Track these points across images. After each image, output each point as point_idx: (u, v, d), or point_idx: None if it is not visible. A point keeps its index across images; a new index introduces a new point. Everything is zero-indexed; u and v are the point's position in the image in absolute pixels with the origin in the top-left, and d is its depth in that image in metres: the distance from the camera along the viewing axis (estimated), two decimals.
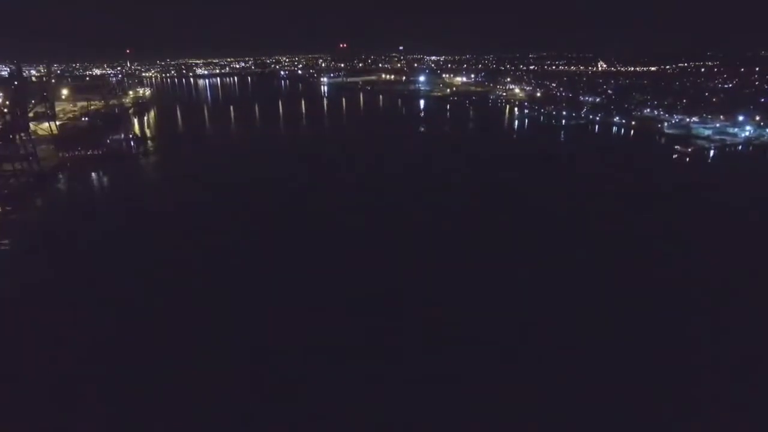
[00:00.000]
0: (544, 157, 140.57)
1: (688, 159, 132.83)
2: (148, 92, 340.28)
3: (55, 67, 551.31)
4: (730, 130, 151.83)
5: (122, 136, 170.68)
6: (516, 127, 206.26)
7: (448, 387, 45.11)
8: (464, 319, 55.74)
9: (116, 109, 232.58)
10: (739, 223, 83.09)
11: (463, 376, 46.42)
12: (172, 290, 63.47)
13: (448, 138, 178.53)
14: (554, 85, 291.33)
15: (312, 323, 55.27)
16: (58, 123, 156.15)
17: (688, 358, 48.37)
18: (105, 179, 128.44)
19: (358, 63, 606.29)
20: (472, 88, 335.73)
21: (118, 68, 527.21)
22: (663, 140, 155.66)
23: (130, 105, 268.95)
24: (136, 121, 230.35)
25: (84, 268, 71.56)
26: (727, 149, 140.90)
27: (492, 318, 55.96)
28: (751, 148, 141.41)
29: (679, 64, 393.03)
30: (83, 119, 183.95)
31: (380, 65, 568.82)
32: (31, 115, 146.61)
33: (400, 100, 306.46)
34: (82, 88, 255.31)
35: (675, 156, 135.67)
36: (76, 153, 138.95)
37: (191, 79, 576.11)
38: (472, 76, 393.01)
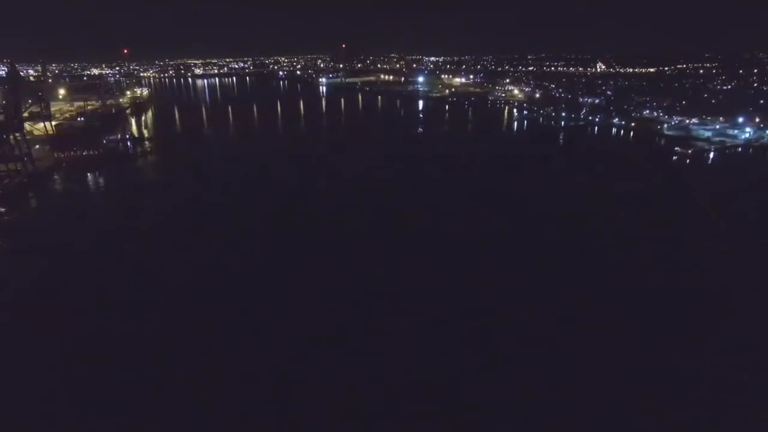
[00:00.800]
0: (543, 158, 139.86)
1: (688, 161, 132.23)
2: (145, 92, 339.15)
3: (53, 67, 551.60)
4: (730, 131, 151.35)
5: (119, 136, 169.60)
6: (515, 128, 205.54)
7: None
8: (464, 317, 55.08)
9: (113, 110, 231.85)
10: (739, 225, 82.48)
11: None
12: (169, 290, 62.85)
13: (446, 139, 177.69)
14: (553, 86, 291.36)
15: (313, 321, 54.55)
16: (53, 123, 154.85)
17: (682, 357, 47.83)
18: (100, 180, 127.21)
19: (357, 63, 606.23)
20: (471, 88, 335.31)
21: (117, 68, 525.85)
22: (663, 142, 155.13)
23: (127, 105, 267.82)
24: (133, 121, 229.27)
25: (78, 269, 70.42)
26: (728, 151, 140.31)
27: (489, 317, 55.30)
28: (751, 149, 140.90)
29: (678, 66, 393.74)
30: (79, 119, 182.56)
31: (379, 66, 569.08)
32: (26, 114, 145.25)
33: (398, 101, 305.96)
34: (79, 88, 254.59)
35: (675, 158, 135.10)
36: (72, 153, 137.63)
37: (189, 80, 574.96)
38: (471, 76, 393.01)
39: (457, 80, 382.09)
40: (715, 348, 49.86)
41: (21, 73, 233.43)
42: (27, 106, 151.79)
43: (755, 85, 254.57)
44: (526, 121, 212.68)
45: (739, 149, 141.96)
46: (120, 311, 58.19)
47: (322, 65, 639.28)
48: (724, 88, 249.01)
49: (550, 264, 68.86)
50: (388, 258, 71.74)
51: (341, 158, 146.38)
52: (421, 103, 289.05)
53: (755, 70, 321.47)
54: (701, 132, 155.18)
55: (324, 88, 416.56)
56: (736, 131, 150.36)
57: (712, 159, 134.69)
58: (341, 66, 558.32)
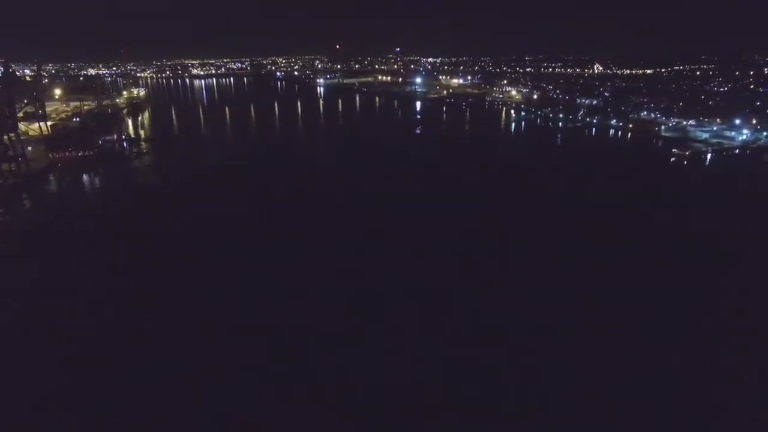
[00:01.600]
0: (541, 160, 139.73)
1: (686, 162, 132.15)
2: (142, 92, 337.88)
3: (49, 67, 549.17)
4: (727, 133, 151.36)
5: (115, 137, 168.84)
6: (513, 129, 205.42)
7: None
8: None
9: (109, 110, 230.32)
10: (737, 226, 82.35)
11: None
12: (165, 290, 62.51)
13: (444, 140, 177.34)
14: (551, 87, 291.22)
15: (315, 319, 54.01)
16: (49, 123, 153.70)
17: (679, 355, 47.44)
18: (96, 181, 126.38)
19: (355, 64, 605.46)
20: (469, 89, 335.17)
21: (114, 68, 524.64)
22: (660, 143, 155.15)
23: (123, 105, 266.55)
24: (129, 121, 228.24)
25: (73, 270, 69.70)
26: (725, 153, 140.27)
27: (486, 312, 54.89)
28: (748, 151, 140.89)
29: (675, 67, 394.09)
30: (75, 120, 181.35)
31: (376, 66, 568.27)
32: (21, 115, 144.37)
33: (396, 102, 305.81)
34: (76, 88, 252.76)
35: (673, 159, 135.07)
36: (67, 154, 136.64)
37: (187, 80, 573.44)
38: (469, 77, 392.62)
39: (455, 81, 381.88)
40: (712, 348, 49.59)
41: (17, 73, 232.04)
42: (22, 106, 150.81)
43: (751, 87, 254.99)
44: (523, 123, 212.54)
45: (737, 151, 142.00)
46: (116, 312, 57.61)
47: (319, 66, 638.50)
48: (721, 89, 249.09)
49: (544, 265, 68.49)
50: (387, 257, 71.34)
51: (340, 159, 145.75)
52: (418, 104, 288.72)
53: (751, 72, 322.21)
54: (698, 134, 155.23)
55: (321, 89, 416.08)
56: (733, 133, 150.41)
57: (710, 161, 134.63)
58: (339, 67, 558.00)
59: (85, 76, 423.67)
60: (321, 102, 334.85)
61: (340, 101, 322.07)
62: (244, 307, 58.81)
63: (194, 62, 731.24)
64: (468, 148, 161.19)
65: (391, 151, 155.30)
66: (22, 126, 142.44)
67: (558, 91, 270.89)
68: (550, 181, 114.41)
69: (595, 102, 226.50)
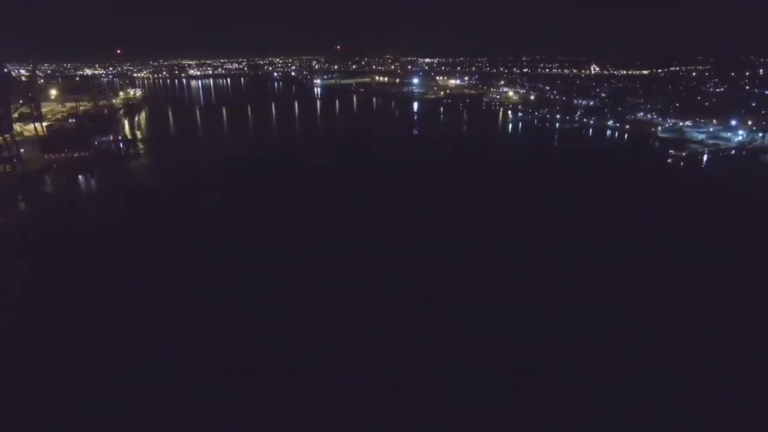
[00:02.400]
0: (538, 161, 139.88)
1: (682, 164, 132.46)
2: (139, 93, 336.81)
3: (45, 67, 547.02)
4: (724, 134, 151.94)
5: (111, 137, 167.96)
6: (510, 130, 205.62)
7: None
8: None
9: (105, 111, 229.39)
10: (734, 227, 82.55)
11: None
12: (165, 290, 62.20)
13: (442, 141, 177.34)
14: (548, 87, 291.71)
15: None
16: (44, 124, 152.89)
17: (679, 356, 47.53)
18: (92, 182, 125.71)
19: (352, 65, 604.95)
20: (466, 90, 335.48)
21: (110, 69, 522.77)
22: (657, 144, 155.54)
23: (120, 106, 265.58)
24: (126, 122, 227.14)
25: (71, 271, 69.18)
26: (721, 154, 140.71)
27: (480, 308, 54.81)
28: (744, 152, 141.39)
29: (671, 68, 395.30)
30: (71, 120, 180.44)
31: (374, 67, 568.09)
32: (15, 115, 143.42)
33: (393, 103, 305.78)
34: (72, 89, 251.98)
35: (669, 160, 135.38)
36: (63, 155, 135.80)
37: (184, 80, 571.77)
38: (466, 78, 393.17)
39: (452, 82, 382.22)
40: (712, 347, 49.70)
41: (12, 73, 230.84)
42: (17, 106, 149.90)
43: (747, 87, 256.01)
44: (520, 124, 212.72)
45: (733, 152, 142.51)
46: (115, 313, 57.35)
47: (317, 66, 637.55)
48: (717, 90, 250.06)
49: (547, 265, 68.51)
50: (387, 258, 71.22)
51: (338, 160, 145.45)
52: (416, 105, 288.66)
53: (747, 73, 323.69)
54: (695, 134, 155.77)
55: (319, 90, 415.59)
56: (729, 134, 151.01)
57: (707, 162, 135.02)
58: (336, 67, 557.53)
59: (82, 76, 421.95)
60: (318, 102, 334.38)
61: (337, 102, 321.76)
62: (244, 308, 58.74)
63: (191, 62, 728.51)
64: (465, 148, 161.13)
65: (389, 151, 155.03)
66: (17, 127, 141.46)
67: (555, 92, 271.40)
68: (548, 182, 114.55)
69: (591, 103, 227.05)
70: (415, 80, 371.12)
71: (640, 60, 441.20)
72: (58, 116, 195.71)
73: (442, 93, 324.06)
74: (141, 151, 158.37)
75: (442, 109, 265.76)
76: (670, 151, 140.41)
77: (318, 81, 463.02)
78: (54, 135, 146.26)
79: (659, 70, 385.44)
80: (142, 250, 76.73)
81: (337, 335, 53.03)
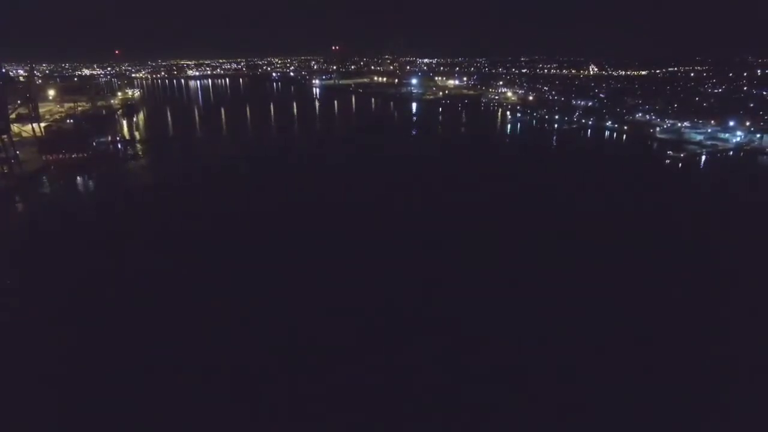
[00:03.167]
0: (537, 161, 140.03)
1: (680, 165, 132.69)
2: (137, 93, 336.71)
3: (43, 67, 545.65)
4: (722, 135, 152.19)
5: (109, 138, 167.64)
6: (508, 131, 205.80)
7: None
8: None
9: (104, 111, 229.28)
10: (733, 228, 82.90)
11: None
12: (165, 290, 62.28)
13: (440, 142, 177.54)
14: (546, 88, 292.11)
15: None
16: (42, 125, 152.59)
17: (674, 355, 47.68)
18: (89, 183, 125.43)
19: (351, 65, 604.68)
20: (465, 91, 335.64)
21: (108, 69, 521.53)
22: (655, 145, 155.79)
23: (118, 106, 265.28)
24: (124, 123, 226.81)
25: (70, 271, 68.91)
26: (719, 155, 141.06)
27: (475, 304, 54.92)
28: (742, 153, 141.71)
29: (669, 69, 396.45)
30: (69, 121, 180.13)
31: (372, 68, 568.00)
32: (13, 116, 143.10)
33: (392, 103, 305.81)
34: (70, 89, 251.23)
35: (668, 161, 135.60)
36: (61, 156, 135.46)
37: (182, 81, 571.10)
38: (465, 79, 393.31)
39: (451, 82, 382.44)
40: (712, 347, 49.79)
41: (10, 74, 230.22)
42: (15, 107, 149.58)
43: (745, 88, 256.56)
44: (519, 124, 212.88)
45: (731, 153, 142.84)
46: (115, 313, 57.19)
47: (315, 67, 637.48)
48: (716, 91, 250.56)
49: (546, 265, 68.55)
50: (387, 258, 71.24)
51: (337, 160, 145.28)
52: (414, 106, 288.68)
53: (745, 74, 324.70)
54: (693, 135, 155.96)
55: (317, 90, 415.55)
56: (727, 135, 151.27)
57: (705, 163, 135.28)
58: (335, 68, 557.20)
59: (80, 76, 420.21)
60: (317, 103, 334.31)
61: (336, 102, 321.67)
62: (245, 308, 58.67)
63: (189, 63, 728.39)
64: (464, 149, 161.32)
65: (388, 152, 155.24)
66: (15, 127, 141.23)
67: (553, 93, 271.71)
68: (547, 183, 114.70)
69: (590, 103, 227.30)
70: (414, 81, 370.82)
71: (638, 60, 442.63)
72: (56, 117, 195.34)
73: (440, 93, 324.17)
74: (139, 152, 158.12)
75: (440, 109, 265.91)
76: (668, 152, 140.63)
77: (317, 81, 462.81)
78: (52, 136, 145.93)
79: (658, 71, 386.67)
80: (142, 250, 76.73)
81: (337, 335, 53.05)
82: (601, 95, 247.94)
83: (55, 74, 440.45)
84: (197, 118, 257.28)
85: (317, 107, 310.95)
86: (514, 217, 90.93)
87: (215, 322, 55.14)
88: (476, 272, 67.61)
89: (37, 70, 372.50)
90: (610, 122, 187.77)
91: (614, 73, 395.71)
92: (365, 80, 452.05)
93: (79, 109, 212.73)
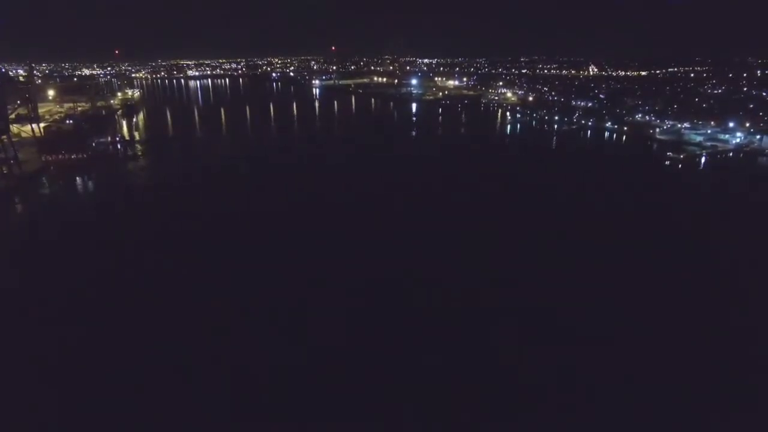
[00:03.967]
0: (536, 162, 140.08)
1: (680, 166, 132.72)
2: (137, 94, 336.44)
3: (43, 67, 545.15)
4: (722, 136, 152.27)
5: (108, 138, 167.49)
6: (508, 132, 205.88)
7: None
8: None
9: (103, 111, 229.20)
10: (732, 229, 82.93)
11: None
12: (164, 290, 62.25)
13: (440, 142, 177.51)
14: (546, 89, 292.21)
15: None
16: (42, 125, 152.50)
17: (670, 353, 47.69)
18: (89, 184, 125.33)
19: (351, 65, 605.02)
20: (465, 91, 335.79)
21: (108, 69, 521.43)
22: (655, 146, 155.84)
23: (118, 107, 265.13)
24: (124, 123, 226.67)
25: (70, 272, 68.87)
26: (719, 156, 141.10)
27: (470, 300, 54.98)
28: (742, 154, 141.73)
29: (669, 69, 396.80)
30: (68, 121, 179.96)
31: (372, 68, 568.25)
32: (13, 116, 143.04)
33: (392, 104, 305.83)
34: (69, 89, 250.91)
35: (667, 163, 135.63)
36: (60, 156, 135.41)
37: (182, 81, 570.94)
38: (465, 79, 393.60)
39: (451, 83, 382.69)
40: (712, 347, 49.84)
41: (10, 74, 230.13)
42: (15, 107, 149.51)
43: (745, 89, 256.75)
44: (519, 125, 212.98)
45: (731, 154, 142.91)
46: (115, 313, 57.18)
47: (315, 67, 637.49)
48: (716, 92, 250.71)
49: (546, 265, 68.59)
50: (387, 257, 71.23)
51: (337, 161, 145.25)
52: (414, 106, 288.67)
53: (744, 74, 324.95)
54: (693, 136, 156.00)
55: (317, 90, 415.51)
56: (727, 136, 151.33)
57: (705, 164, 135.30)
58: (335, 68, 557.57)
59: (80, 76, 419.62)
60: (317, 103, 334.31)
61: (335, 102, 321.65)
62: (245, 308, 58.72)
63: (189, 63, 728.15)
64: (464, 149, 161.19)
65: (388, 152, 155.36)
66: (14, 128, 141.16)
67: (553, 93, 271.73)
68: (547, 183, 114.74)
69: (590, 104, 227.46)
70: (414, 81, 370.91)
71: (638, 61, 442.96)
72: (56, 117, 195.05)
73: (440, 94, 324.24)
74: (139, 152, 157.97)
75: (440, 110, 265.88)
76: (668, 154, 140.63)
77: (316, 81, 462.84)
78: (51, 136, 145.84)
79: (657, 72, 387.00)
80: (142, 251, 76.64)
81: (337, 335, 53.06)
82: (600, 96, 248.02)
83: (55, 74, 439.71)
84: (197, 118, 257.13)
85: (317, 107, 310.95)
86: (514, 217, 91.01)
87: (215, 322, 55.16)
88: (476, 272, 67.67)
89: (37, 70, 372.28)
90: (609, 123, 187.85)
91: (614, 74, 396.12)
92: (365, 80, 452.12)
93: (79, 109, 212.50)
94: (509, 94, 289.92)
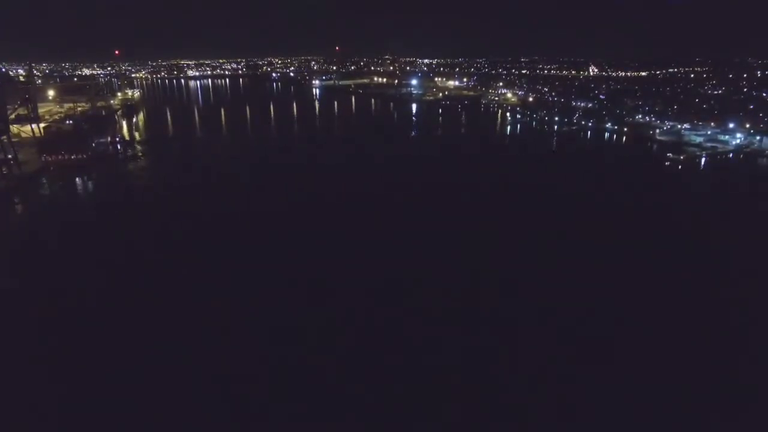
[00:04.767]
0: (537, 162, 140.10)
1: (680, 167, 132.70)
2: (137, 94, 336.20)
3: (43, 67, 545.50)
4: (722, 137, 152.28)
5: (108, 139, 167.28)
6: (508, 132, 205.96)
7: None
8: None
9: (103, 111, 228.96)
10: (732, 229, 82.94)
11: None
12: (164, 290, 62.27)
13: (440, 143, 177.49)
14: (546, 89, 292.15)
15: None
16: (42, 125, 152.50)
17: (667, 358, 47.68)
18: (89, 184, 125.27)
19: (351, 66, 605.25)
20: (465, 92, 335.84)
21: (108, 69, 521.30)
22: (655, 147, 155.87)
23: (118, 107, 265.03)
24: (124, 123, 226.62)
25: (70, 272, 68.86)
26: (719, 157, 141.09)
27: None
28: (741, 155, 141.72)
29: (669, 70, 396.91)
30: (68, 122, 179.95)
31: (372, 68, 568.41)
32: (12, 117, 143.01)
33: (392, 104, 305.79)
34: (69, 89, 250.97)
35: (668, 164, 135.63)
36: (60, 157, 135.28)
37: (182, 81, 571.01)
38: (465, 79, 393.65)
39: (451, 83, 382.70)
40: (711, 347, 49.83)
41: (10, 74, 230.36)
42: (14, 108, 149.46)
43: (745, 90, 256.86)
44: (519, 126, 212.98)
45: (730, 155, 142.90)
46: (115, 313, 57.12)
47: (315, 67, 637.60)
48: (716, 92, 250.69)
49: (546, 265, 68.59)
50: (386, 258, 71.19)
51: (336, 161, 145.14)
52: (414, 107, 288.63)
53: (745, 75, 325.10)
54: (693, 137, 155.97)
55: (317, 91, 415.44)
56: (727, 137, 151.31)
57: (705, 165, 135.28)
58: (335, 68, 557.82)
59: (80, 76, 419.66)
60: (317, 103, 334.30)
61: (335, 103, 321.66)
62: (245, 308, 58.74)
63: (189, 63, 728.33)
64: (464, 150, 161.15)
65: (387, 152, 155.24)
66: (14, 128, 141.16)
67: (553, 94, 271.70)
68: (547, 184, 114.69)
69: (590, 104, 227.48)
70: (414, 81, 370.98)
71: (638, 61, 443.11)
72: (56, 117, 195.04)
73: (440, 94, 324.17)
74: (139, 153, 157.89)
75: (440, 110, 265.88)
76: (668, 154, 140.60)
77: (317, 82, 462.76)
78: (51, 136, 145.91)
79: (657, 72, 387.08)
80: (142, 251, 76.69)
81: (337, 335, 53.09)
82: (600, 96, 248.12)
83: (55, 74, 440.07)
84: (197, 118, 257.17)
85: (317, 108, 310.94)
86: (514, 217, 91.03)
87: (215, 322, 55.17)
88: (476, 272, 67.74)
89: (37, 70, 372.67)
90: (609, 124, 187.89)
91: (614, 74, 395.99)
92: (365, 81, 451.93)
93: (79, 109, 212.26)
94: (509, 95, 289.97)
